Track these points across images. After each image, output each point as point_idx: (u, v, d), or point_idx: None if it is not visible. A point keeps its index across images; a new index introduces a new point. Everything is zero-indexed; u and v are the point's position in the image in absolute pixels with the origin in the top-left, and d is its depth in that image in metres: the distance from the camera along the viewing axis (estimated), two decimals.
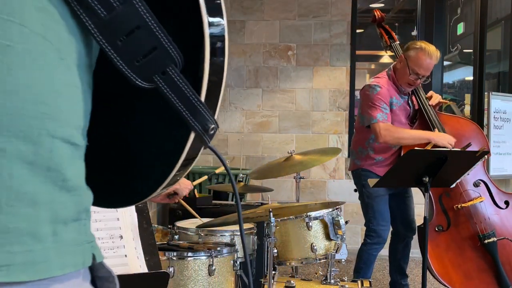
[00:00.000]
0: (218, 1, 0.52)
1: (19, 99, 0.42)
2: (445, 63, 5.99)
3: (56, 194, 0.46)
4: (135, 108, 0.56)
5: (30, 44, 0.43)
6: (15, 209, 0.43)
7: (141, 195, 0.57)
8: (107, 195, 0.59)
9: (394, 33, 3.37)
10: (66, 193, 0.48)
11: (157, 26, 0.47)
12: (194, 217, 2.71)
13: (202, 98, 0.50)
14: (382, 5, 6.68)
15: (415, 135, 3.10)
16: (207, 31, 0.49)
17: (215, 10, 0.51)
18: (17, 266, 0.43)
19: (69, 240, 0.48)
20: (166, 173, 0.53)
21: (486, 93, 4.58)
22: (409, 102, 3.27)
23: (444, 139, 3.02)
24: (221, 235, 2.48)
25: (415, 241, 3.78)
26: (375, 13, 3.45)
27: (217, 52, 0.51)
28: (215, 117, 0.54)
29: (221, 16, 0.52)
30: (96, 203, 0.56)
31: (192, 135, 0.51)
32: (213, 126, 0.52)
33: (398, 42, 3.35)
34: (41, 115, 0.44)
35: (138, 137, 0.57)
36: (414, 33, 5.76)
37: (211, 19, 0.50)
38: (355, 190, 3.46)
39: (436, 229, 3.14)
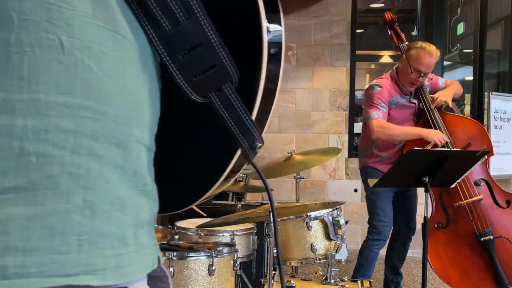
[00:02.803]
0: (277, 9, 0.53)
1: (112, 106, 0.43)
2: (445, 63, 5.99)
3: (138, 198, 0.47)
4: (189, 120, 0.57)
5: (122, 52, 0.44)
6: (109, 214, 0.44)
7: (185, 203, 0.58)
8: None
9: (403, 35, 3.45)
10: (145, 197, 0.48)
11: (219, 44, 0.47)
12: (194, 216, 2.70)
13: (254, 116, 0.51)
14: (382, 5, 6.68)
15: (406, 131, 3.18)
16: (265, 49, 0.49)
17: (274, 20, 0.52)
18: (111, 269, 0.43)
19: (145, 243, 0.49)
20: (209, 186, 0.54)
21: (486, 93, 4.58)
22: (412, 100, 3.32)
23: (434, 135, 3.09)
24: (221, 235, 2.48)
25: (416, 241, 3.79)
26: (386, 15, 3.52)
27: (273, 67, 0.51)
28: (263, 133, 0.55)
29: (279, 23, 0.53)
30: None
31: (239, 152, 0.52)
32: (260, 144, 0.53)
33: (406, 43, 3.43)
34: (130, 121, 0.45)
35: (188, 148, 0.58)
36: (414, 33, 5.76)
37: (271, 34, 0.50)
38: (355, 190, 3.48)
39: (436, 226, 3.17)
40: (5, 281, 0.37)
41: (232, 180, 0.57)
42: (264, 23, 0.49)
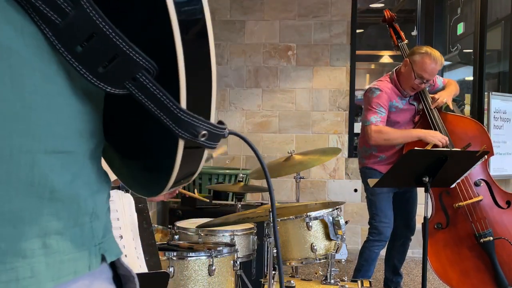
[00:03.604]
0: None
1: None
2: (445, 63, 5.98)
3: (45, 207, 0.46)
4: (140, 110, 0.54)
5: None
6: None
7: (156, 191, 0.55)
8: (141, 185, 0.58)
9: (402, 33, 3.44)
10: (58, 203, 0.47)
11: (113, 32, 0.44)
12: (194, 216, 2.70)
13: (183, 103, 0.47)
14: (382, 5, 6.69)
15: (404, 135, 3.18)
16: (175, 23, 0.45)
17: None
18: (0, 284, 0.43)
19: (66, 249, 0.48)
20: (166, 181, 0.51)
21: (486, 93, 4.58)
22: (411, 102, 3.32)
23: (434, 137, 3.07)
24: (221, 235, 2.48)
25: (416, 241, 3.79)
26: (385, 13, 3.52)
27: (194, 41, 0.47)
28: (211, 116, 0.50)
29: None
30: (136, 191, 0.57)
31: (182, 142, 0.48)
32: (204, 132, 0.48)
33: (406, 41, 3.42)
34: (10, 133, 0.43)
35: (149, 136, 0.55)
36: (414, 33, 5.76)
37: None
38: (355, 190, 3.48)
39: (436, 226, 3.18)
40: None
41: (198, 169, 0.54)
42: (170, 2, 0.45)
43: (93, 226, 0.52)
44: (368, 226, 3.40)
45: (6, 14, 0.43)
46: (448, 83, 3.51)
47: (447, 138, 3.10)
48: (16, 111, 0.43)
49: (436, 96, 3.29)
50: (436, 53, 3.16)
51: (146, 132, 0.54)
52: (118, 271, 0.57)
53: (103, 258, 0.53)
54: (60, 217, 0.47)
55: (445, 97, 3.28)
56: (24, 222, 0.45)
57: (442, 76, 5.11)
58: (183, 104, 0.47)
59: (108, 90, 0.46)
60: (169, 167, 0.50)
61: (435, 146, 3.04)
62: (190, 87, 0.47)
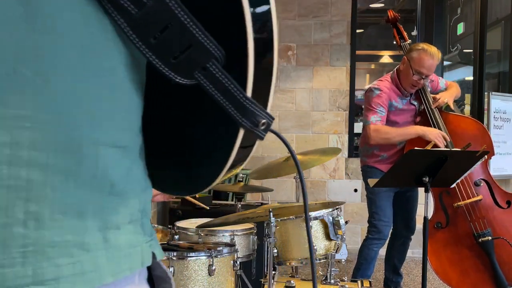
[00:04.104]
0: None
1: (54, 112, 0.41)
2: (445, 63, 5.99)
3: (105, 201, 0.46)
4: (193, 103, 0.54)
5: (65, 50, 0.42)
6: (61, 223, 0.43)
7: (199, 186, 0.56)
8: (178, 184, 0.58)
9: (405, 34, 3.46)
10: (116, 198, 0.47)
11: (191, 21, 0.44)
12: (194, 216, 2.70)
13: (249, 92, 0.47)
14: (382, 5, 6.69)
15: (403, 132, 3.19)
16: (248, 15, 0.45)
17: None
18: (66, 278, 0.43)
19: (123, 244, 0.48)
20: (219, 169, 0.51)
21: (486, 93, 4.58)
22: (412, 101, 3.33)
23: (432, 134, 3.07)
24: (221, 235, 2.48)
25: (416, 241, 3.79)
26: (389, 13, 3.55)
27: (263, 36, 0.47)
28: (268, 106, 0.51)
29: None
30: (173, 191, 0.57)
31: (242, 131, 0.48)
32: (264, 121, 0.49)
33: (408, 42, 3.44)
34: (80, 125, 0.43)
35: (196, 130, 0.55)
36: (414, 33, 5.76)
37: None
38: (355, 190, 3.49)
39: (435, 226, 3.18)
40: None
41: (246, 161, 0.54)
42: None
43: (143, 223, 0.52)
44: (368, 225, 3.42)
45: (73, 2, 0.43)
46: (450, 85, 3.53)
47: (445, 134, 3.11)
48: (88, 104, 0.43)
49: (437, 96, 3.31)
50: (433, 49, 3.18)
51: (191, 127, 0.54)
52: (152, 272, 0.57)
53: (153, 256, 0.53)
54: (118, 211, 0.48)
55: (446, 98, 3.29)
56: (88, 215, 0.45)
57: (442, 76, 5.11)
58: (249, 92, 0.47)
59: (177, 80, 0.45)
60: (222, 160, 0.50)
61: (435, 146, 3.04)
62: (256, 75, 0.47)
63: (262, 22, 0.47)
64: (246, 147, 0.51)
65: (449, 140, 3.12)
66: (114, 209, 0.47)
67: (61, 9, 0.42)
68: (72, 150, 0.43)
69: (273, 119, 0.51)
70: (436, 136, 3.07)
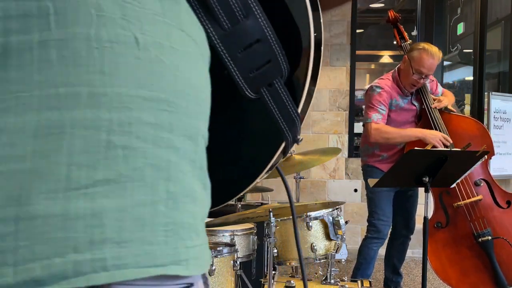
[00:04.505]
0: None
1: (184, 99, 0.44)
2: (445, 63, 5.99)
3: (203, 192, 0.48)
4: (240, 112, 0.58)
5: (188, 48, 0.45)
6: (186, 206, 0.44)
7: (226, 197, 0.59)
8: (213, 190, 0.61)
9: (406, 34, 3.47)
10: (205, 192, 0.49)
11: (275, 40, 0.48)
12: None
13: (300, 108, 0.51)
14: (382, 5, 6.68)
15: (403, 134, 3.20)
16: (313, 40, 0.51)
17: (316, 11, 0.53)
18: (192, 260, 0.44)
19: (205, 238, 0.49)
20: (254, 176, 0.54)
21: (486, 93, 4.58)
22: (413, 102, 3.33)
23: (434, 137, 3.07)
24: (221, 235, 2.48)
25: (416, 241, 3.79)
26: (390, 14, 3.57)
27: (316, 60, 0.52)
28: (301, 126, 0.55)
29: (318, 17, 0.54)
30: None
31: (283, 144, 0.52)
32: (301, 138, 0.53)
33: (409, 42, 3.45)
34: (197, 115, 0.46)
35: (231, 144, 0.58)
36: (414, 33, 5.76)
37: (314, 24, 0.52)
38: (355, 190, 3.49)
39: (435, 226, 3.18)
40: (105, 273, 0.38)
41: (271, 170, 0.58)
42: (311, 20, 0.50)
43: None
44: (367, 224, 3.42)
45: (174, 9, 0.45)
46: (447, 93, 3.55)
47: (448, 137, 3.11)
48: (202, 96, 0.46)
49: (440, 98, 3.33)
50: (433, 48, 3.19)
51: (237, 136, 0.58)
52: None
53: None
54: (206, 205, 0.49)
55: (446, 103, 3.31)
56: (197, 203, 0.46)
57: (442, 76, 5.12)
58: (299, 109, 0.52)
59: (247, 93, 0.49)
60: (258, 170, 0.54)
61: (435, 146, 3.05)
62: (306, 98, 0.52)
63: (319, 46, 0.52)
64: (273, 166, 0.55)
65: (450, 143, 3.11)
66: (206, 201, 0.49)
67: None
68: (193, 138, 0.45)
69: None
70: (437, 140, 3.07)
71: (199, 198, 0.46)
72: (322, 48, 0.54)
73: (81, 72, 0.39)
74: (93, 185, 0.38)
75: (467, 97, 5.58)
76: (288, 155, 2.81)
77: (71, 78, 0.38)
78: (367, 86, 3.44)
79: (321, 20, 0.54)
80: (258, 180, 0.54)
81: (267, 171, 0.54)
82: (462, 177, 2.79)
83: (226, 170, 0.59)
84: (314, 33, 0.50)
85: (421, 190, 3.06)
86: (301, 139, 0.53)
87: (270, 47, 0.48)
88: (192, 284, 0.45)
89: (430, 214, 3.03)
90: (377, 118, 3.18)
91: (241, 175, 0.57)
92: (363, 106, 3.45)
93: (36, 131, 0.37)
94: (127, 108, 0.40)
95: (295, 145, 0.55)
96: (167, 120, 0.42)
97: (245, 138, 0.57)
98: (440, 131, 3.17)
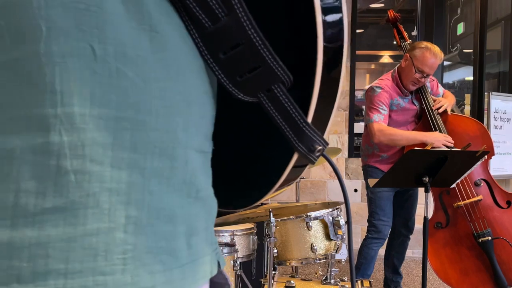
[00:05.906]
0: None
1: (152, 113, 0.41)
2: (445, 63, 5.99)
3: (191, 206, 0.45)
4: (246, 122, 0.54)
5: (162, 52, 0.41)
6: (155, 228, 0.41)
7: (237, 207, 0.56)
8: (227, 198, 0.57)
9: (406, 34, 3.48)
10: (199, 204, 0.46)
11: (262, 44, 0.43)
12: None
13: (310, 118, 0.47)
14: (382, 5, 6.68)
15: (408, 136, 3.18)
16: (320, 42, 0.45)
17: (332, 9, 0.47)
18: (160, 286, 0.41)
19: (200, 251, 0.46)
20: (266, 190, 0.51)
21: (486, 93, 4.58)
22: (413, 101, 3.33)
23: (439, 141, 3.07)
24: (221, 235, 2.48)
25: (416, 241, 3.79)
26: (389, 13, 3.57)
27: (332, 64, 0.48)
28: (325, 133, 0.51)
29: (339, 12, 0.48)
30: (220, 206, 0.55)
31: (296, 156, 0.48)
32: (320, 147, 0.48)
33: (409, 42, 3.46)
34: (174, 127, 0.42)
35: (244, 152, 0.55)
36: (414, 33, 5.76)
37: (327, 18, 0.46)
38: (355, 190, 3.49)
39: (435, 226, 3.18)
40: None
41: (295, 181, 0.54)
42: (319, 15, 0.45)
43: (212, 231, 0.51)
44: (368, 224, 3.42)
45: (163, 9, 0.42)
46: (447, 94, 3.54)
47: (450, 139, 3.10)
48: (180, 107, 0.43)
49: (440, 99, 3.32)
50: (436, 48, 3.19)
51: (248, 146, 0.54)
52: (212, 279, 0.55)
53: (218, 265, 0.52)
54: (199, 218, 0.46)
55: (446, 104, 3.31)
56: (177, 221, 0.43)
57: (442, 76, 5.12)
58: (310, 118, 0.47)
59: (240, 96, 0.45)
60: (271, 181, 0.50)
61: (437, 146, 3.05)
62: (318, 102, 0.47)
63: (333, 53, 0.48)
64: (297, 168, 0.51)
65: (452, 144, 3.11)
66: (197, 215, 0.46)
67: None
68: (166, 154, 0.42)
69: (328, 144, 0.50)
70: (441, 144, 3.07)
71: (180, 215, 0.43)
72: (342, 47, 0.48)
73: (32, 93, 0.36)
74: (41, 213, 0.36)
75: (467, 97, 5.58)
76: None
77: (23, 99, 0.36)
78: (367, 86, 3.44)
79: (343, 24, 0.49)
80: (274, 189, 0.51)
81: (286, 179, 0.50)
82: (462, 177, 2.79)
83: (237, 180, 0.56)
84: (326, 30, 0.45)
85: (421, 190, 3.07)
86: (319, 149, 0.48)
87: (257, 51, 0.43)
88: None
89: (430, 214, 3.03)
90: (379, 119, 3.18)
91: (257, 187, 0.53)
92: (363, 106, 3.45)
93: None
94: (79, 129, 0.37)
95: None
96: (128, 139, 0.39)
97: (259, 147, 0.54)
98: (440, 131, 3.17)
